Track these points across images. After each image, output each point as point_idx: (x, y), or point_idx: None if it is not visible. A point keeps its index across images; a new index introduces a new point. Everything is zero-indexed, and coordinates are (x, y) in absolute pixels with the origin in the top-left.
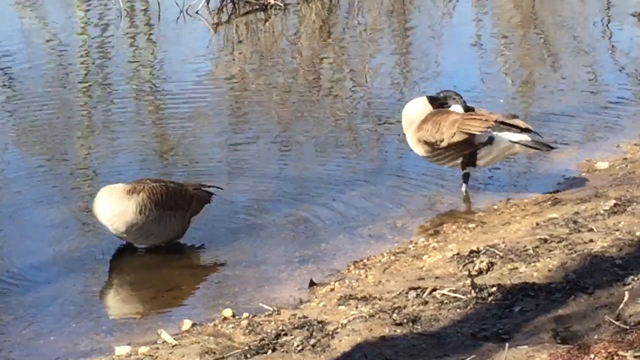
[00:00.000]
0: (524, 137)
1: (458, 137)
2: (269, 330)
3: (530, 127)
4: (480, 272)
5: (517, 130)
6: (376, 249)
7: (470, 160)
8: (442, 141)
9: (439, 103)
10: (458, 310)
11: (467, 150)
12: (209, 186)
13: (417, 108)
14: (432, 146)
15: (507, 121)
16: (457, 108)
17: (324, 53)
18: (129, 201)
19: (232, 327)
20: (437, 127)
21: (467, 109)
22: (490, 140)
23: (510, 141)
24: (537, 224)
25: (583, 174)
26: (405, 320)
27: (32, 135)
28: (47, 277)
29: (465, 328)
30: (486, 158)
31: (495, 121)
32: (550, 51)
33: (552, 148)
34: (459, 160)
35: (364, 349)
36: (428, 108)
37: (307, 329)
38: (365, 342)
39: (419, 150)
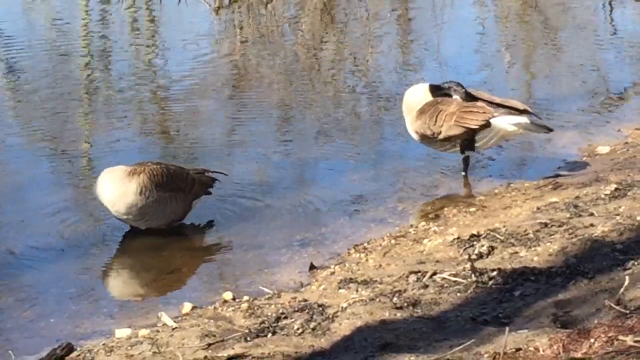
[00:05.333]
0: (522, 120)
1: (455, 131)
2: (269, 314)
3: (529, 109)
4: (480, 256)
5: (516, 112)
6: (376, 232)
7: (468, 145)
8: (439, 134)
9: (440, 93)
10: (458, 294)
11: (465, 137)
12: (213, 171)
13: (417, 95)
14: (428, 137)
15: (505, 104)
16: (457, 98)
17: (326, 36)
18: (129, 182)
19: (233, 310)
20: (434, 120)
21: (468, 95)
22: (488, 124)
23: (508, 124)
24: (538, 208)
25: (584, 158)
26: (405, 304)
27: (33, 117)
28: (47, 260)
29: (465, 312)
30: (484, 142)
31: (493, 104)
32: (552, 35)
33: (551, 130)
34: (457, 146)
35: (364, 333)
36: (428, 96)
37: (308, 312)
38: (365, 325)
39: (417, 137)
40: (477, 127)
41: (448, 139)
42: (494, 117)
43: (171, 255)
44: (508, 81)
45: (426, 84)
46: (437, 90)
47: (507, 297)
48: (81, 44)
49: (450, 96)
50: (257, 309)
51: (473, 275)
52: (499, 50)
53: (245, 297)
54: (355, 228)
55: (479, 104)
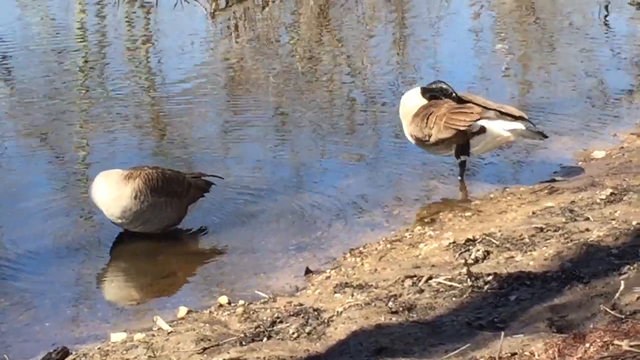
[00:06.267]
0: (517, 126)
1: (445, 133)
2: (264, 318)
3: (524, 115)
4: (476, 260)
5: (511, 118)
6: (372, 237)
7: (463, 150)
8: (430, 136)
9: (430, 95)
10: (454, 298)
11: (459, 141)
12: (210, 175)
13: (413, 99)
14: (422, 141)
15: (501, 109)
16: (447, 100)
17: (322, 40)
18: (125, 186)
19: (228, 315)
20: (425, 122)
21: (459, 100)
22: (483, 130)
23: (504, 130)
24: (534, 212)
25: (579, 163)
26: (401, 309)
27: (28, 121)
28: (43, 264)
29: (460, 317)
30: (479, 147)
31: (487, 109)
32: (548, 40)
33: (546, 136)
34: (452, 151)
35: (360, 337)
36: (423, 100)
37: (303, 317)
38: (360, 330)
39: (412, 141)
40: (465, 127)
41: (441, 141)
42: (482, 118)
43: (166, 259)
44: (504, 86)
45: (418, 87)
46: (427, 92)
47: (502, 302)
48: (77, 47)
49: (440, 98)
50: (253, 313)
51: (469, 279)
52: (494, 55)
53: (241, 302)
54: (351, 232)
55: (468, 105)
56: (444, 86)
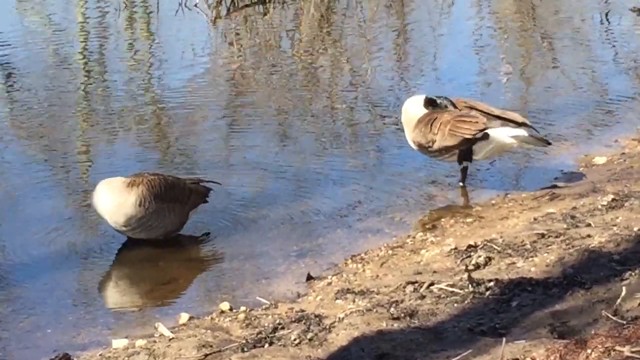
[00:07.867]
0: (521, 132)
1: (450, 140)
2: (266, 324)
3: (527, 122)
4: (477, 266)
5: (514, 125)
6: (374, 243)
7: (466, 156)
8: (434, 142)
9: (433, 107)
10: (455, 304)
11: (462, 147)
12: (208, 181)
13: (416, 106)
14: (425, 147)
15: (504, 116)
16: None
17: (323, 47)
18: (128, 194)
19: (230, 321)
20: (429, 128)
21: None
22: (486, 136)
23: (507, 136)
24: (535, 218)
25: (581, 169)
26: (402, 315)
27: (29, 127)
28: (44, 270)
29: (462, 323)
30: (482, 153)
31: (491, 116)
32: (548, 46)
33: (549, 143)
34: (455, 156)
35: (361, 343)
36: (424, 108)
37: (305, 323)
38: (362, 336)
39: (415, 147)
40: (470, 136)
41: (444, 148)
42: (487, 127)
43: (168, 265)
44: (505, 92)
45: (424, 95)
46: (431, 104)
47: (504, 308)
48: (78, 55)
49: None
50: (254, 319)
51: (470, 285)
52: (496, 61)
53: (242, 308)
54: (353, 238)
55: (473, 113)
56: (449, 104)
